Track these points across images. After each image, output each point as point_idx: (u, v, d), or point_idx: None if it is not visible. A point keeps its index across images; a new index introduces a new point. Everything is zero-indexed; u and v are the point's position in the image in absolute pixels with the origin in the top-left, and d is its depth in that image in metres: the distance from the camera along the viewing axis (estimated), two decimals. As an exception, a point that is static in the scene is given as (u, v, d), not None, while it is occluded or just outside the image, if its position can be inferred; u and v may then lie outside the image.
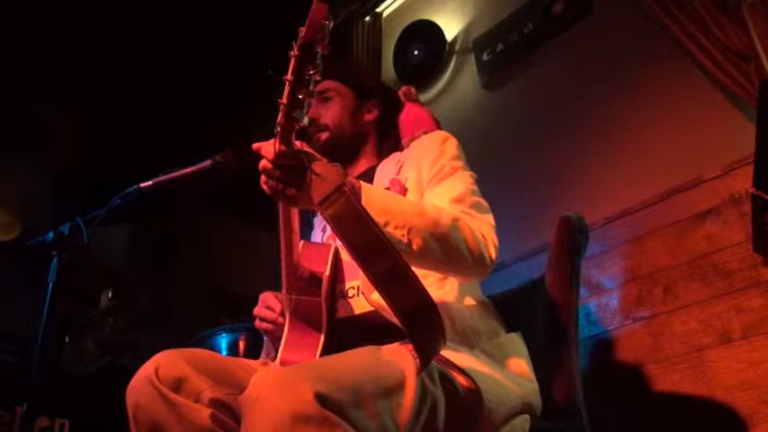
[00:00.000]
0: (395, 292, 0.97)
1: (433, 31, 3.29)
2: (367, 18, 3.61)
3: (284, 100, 0.93)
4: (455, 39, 3.26)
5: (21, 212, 3.09)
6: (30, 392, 1.56)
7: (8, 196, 3.10)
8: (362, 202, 1.03)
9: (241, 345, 2.24)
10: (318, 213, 1.01)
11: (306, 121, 0.96)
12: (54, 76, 3.29)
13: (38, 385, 1.57)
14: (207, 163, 1.61)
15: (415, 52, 3.32)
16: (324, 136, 1.49)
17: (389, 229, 1.06)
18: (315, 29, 0.90)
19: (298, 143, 1.01)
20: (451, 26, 3.29)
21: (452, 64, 3.23)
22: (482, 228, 1.21)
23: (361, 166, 1.53)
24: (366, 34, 3.52)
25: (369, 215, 0.98)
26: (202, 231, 3.77)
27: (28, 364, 2.27)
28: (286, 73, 0.92)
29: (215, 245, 3.77)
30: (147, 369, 1.07)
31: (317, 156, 1.04)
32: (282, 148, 0.98)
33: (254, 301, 1.37)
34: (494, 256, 1.19)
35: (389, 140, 1.58)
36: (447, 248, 1.13)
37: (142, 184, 1.65)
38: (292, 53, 0.91)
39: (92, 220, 1.64)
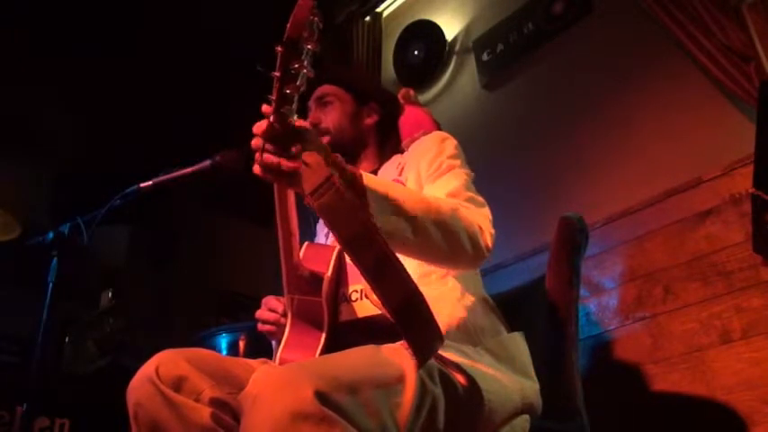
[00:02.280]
0: (384, 285, 0.97)
1: (433, 31, 3.29)
2: (367, 18, 3.61)
3: (273, 96, 0.95)
4: (455, 39, 3.27)
5: (21, 212, 3.09)
6: (30, 392, 1.57)
7: (8, 196, 3.10)
8: (364, 185, 1.05)
9: (241, 345, 2.23)
10: (311, 207, 1.01)
11: (295, 118, 0.98)
12: (54, 77, 3.29)
13: (38, 385, 1.57)
14: (207, 163, 1.62)
15: (415, 52, 3.32)
16: (325, 139, 1.50)
17: (390, 217, 1.06)
18: (299, 25, 0.92)
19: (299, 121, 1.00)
20: (451, 26, 3.29)
21: (452, 64, 3.23)
22: (478, 218, 1.23)
23: (362, 169, 1.52)
24: (366, 34, 3.52)
25: (358, 206, 1.00)
26: (202, 231, 3.77)
27: (28, 364, 2.28)
28: (274, 69, 0.94)
29: (215, 245, 3.77)
30: (147, 368, 1.07)
31: (308, 138, 1.01)
32: (277, 125, 0.96)
33: (255, 302, 1.37)
34: (490, 244, 1.21)
35: (390, 143, 1.59)
36: (447, 235, 1.14)
37: (142, 184, 1.65)
38: (278, 49, 0.93)
39: (92, 220, 1.64)
